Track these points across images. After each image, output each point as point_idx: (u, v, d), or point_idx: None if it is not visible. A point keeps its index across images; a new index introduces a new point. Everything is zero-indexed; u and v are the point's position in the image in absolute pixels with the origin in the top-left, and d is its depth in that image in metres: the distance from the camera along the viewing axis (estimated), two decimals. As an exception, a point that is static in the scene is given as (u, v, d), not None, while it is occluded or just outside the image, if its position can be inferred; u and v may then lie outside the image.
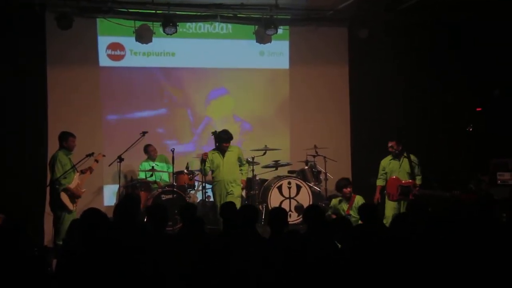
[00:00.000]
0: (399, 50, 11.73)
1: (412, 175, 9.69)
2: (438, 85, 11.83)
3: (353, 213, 9.73)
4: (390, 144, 9.86)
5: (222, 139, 9.79)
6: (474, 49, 11.46)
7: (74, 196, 9.07)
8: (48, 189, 9.43)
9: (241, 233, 5.83)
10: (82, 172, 9.24)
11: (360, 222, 7.06)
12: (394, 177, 9.72)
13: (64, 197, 9.00)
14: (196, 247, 5.16)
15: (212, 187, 10.00)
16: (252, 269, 4.98)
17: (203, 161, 9.85)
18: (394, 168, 9.83)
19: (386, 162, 9.96)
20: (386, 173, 9.91)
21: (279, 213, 6.02)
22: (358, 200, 9.91)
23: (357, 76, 12.03)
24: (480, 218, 6.23)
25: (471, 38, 11.48)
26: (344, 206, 10.02)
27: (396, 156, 9.84)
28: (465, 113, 11.70)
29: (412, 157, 9.80)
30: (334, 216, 9.36)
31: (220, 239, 5.80)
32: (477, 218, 6.23)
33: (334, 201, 10.23)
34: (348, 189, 10.02)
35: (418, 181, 9.73)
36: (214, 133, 10.03)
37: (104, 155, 9.69)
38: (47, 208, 9.82)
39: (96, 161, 9.36)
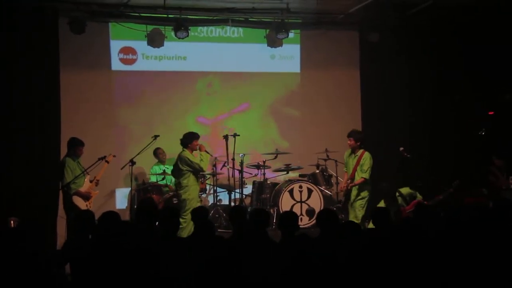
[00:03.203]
0: (409, 53, 11.71)
1: (411, 199, 9.87)
2: (449, 88, 11.79)
3: (358, 175, 9.70)
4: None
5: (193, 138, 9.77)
6: (485, 51, 11.40)
7: (86, 198, 9.22)
8: (60, 192, 9.54)
9: (252, 237, 5.85)
10: (91, 181, 9.37)
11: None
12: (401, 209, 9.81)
13: (77, 199, 9.21)
14: (207, 251, 5.18)
15: (187, 192, 9.70)
16: (263, 272, 5.00)
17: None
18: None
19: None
20: None
21: (290, 216, 6.05)
22: (365, 159, 9.77)
23: (368, 79, 12.01)
24: (496, 222, 6.20)
25: (481, 41, 11.43)
26: (352, 161, 9.87)
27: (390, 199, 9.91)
28: (476, 117, 11.67)
29: (404, 190, 10.02)
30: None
31: (231, 243, 5.81)
32: (493, 222, 6.20)
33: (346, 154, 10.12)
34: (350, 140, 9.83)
35: (419, 197, 9.88)
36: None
37: (114, 156, 9.78)
38: (60, 211, 9.90)
39: (107, 162, 9.45)
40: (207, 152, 9.90)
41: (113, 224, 5.38)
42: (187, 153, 9.58)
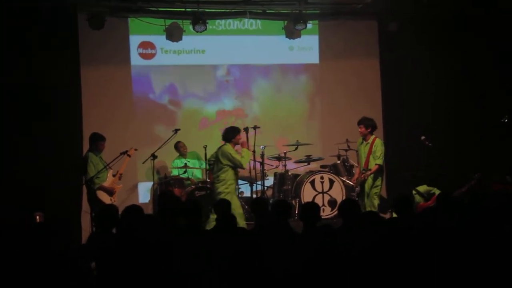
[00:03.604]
0: (429, 41, 11.59)
1: (430, 196, 9.76)
2: (471, 76, 11.65)
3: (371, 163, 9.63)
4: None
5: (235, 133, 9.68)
6: (507, 36, 11.23)
7: (110, 192, 9.32)
8: (84, 187, 9.63)
9: (274, 228, 5.87)
10: (113, 175, 9.44)
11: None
12: (420, 204, 9.76)
13: (101, 194, 9.30)
14: (229, 244, 5.21)
15: (224, 185, 9.53)
16: (285, 264, 5.02)
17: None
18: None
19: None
20: None
21: (311, 207, 6.05)
22: (377, 146, 9.71)
23: (387, 69, 11.95)
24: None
25: (505, 30, 11.28)
26: (364, 148, 9.81)
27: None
28: (500, 103, 11.54)
29: (421, 188, 9.95)
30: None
31: (253, 235, 5.83)
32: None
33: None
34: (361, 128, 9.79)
35: (437, 192, 9.73)
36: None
37: (136, 149, 9.83)
38: (85, 206, 9.99)
39: (129, 155, 9.51)
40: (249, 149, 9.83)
41: (136, 218, 5.42)
42: (229, 148, 9.48)
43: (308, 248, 5.30)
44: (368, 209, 9.38)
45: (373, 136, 9.73)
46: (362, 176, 9.63)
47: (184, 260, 5.14)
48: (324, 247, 5.22)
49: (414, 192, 9.88)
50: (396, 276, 4.96)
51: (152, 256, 4.99)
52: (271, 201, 9.72)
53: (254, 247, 5.26)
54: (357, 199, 9.93)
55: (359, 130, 9.76)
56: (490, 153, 11.08)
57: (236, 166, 9.45)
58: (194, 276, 5.05)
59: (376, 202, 9.61)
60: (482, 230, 5.43)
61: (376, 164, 9.57)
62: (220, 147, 9.60)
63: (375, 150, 9.62)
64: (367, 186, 9.64)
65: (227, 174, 9.45)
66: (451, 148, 11.25)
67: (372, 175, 9.60)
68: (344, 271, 5.03)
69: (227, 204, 6.44)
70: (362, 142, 9.84)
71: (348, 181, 10.53)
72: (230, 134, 9.57)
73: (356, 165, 10.56)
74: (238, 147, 9.56)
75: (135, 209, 5.58)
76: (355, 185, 10.01)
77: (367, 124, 9.72)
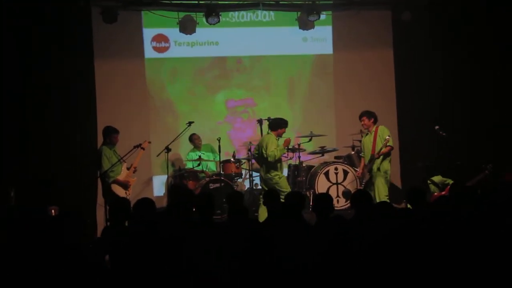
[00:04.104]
0: (443, 30, 11.51)
1: (444, 187, 9.74)
2: (485, 65, 11.52)
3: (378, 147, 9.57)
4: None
5: (282, 125, 9.75)
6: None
7: (125, 186, 9.36)
8: (99, 180, 9.69)
9: (287, 220, 5.87)
10: (128, 168, 9.48)
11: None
12: (434, 194, 9.72)
13: (115, 187, 9.32)
14: (241, 236, 5.22)
15: (277, 174, 9.63)
16: (297, 255, 5.03)
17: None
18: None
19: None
20: None
21: (324, 199, 6.04)
22: (383, 130, 9.70)
23: (401, 59, 11.88)
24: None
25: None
26: (369, 138, 9.78)
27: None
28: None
29: (436, 178, 9.92)
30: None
31: (264, 227, 5.84)
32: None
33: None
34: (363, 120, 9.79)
35: (451, 182, 9.70)
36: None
37: (149, 142, 9.84)
38: (99, 200, 10.05)
39: (143, 148, 9.54)
40: (286, 149, 9.81)
41: (147, 211, 5.45)
42: (270, 137, 9.56)
43: (321, 240, 5.30)
44: (381, 194, 9.39)
45: (375, 126, 9.72)
46: (377, 155, 9.52)
47: (197, 253, 5.16)
48: (337, 239, 5.22)
49: (428, 182, 9.84)
50: (407, 267, 4.96)
51: (164, 250, 5.01)
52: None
53: (266, 238, 5.28)
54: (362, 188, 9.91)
55: (362, 123, 9.77)
56: (502, 144, 10.99)
57: (265, 154, 9.47)
58: (207, 269, 5.07)
59: (384, 190, 9.53)
60: (495, 222, 5.42)
61: (388, 146, 9.54)
62: (262, 137, 9.70)
63: (381, 134, 9.60)
64: (375, 167, 9.60)
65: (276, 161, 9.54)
66: (464, 138, 11.17)
67: (379, 161, 9.56)
68: (356, 263, 5.03)
69: (239, 196, 6.45)
70: (366, 135, 9.83)
71: (356, 174, 10.44)
72: (275, 125, 9.63)
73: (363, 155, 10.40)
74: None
75: (146, 202, 5.61)
76: (363, 176, 9.91)
77: (369, 115, 9.73)
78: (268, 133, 9.72)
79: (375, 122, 9.75)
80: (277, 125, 9.66)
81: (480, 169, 9.76)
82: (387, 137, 9.50)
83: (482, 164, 9.82)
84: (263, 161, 9.65)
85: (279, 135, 9.63)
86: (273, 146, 9.43)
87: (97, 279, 4.93)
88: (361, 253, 5.08)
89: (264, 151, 9.51)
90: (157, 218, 5.57)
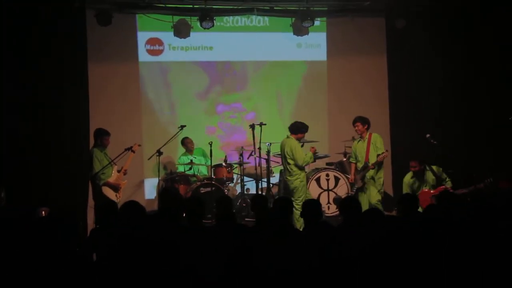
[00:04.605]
0: (437, 38, 11.54)
1: (439, 183, 9.68)
2: (479, 75, 11.56)
3: (372, 155, 9.59)
4: (412, 164, 9.86)
5: (302, 130, 9.78)
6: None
7: (116, 188, 9.36)
8: (90, 182, 9.68)
9: (274, 225, 5.86)
10: (118, 171, 9.48)
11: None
12: (425, 190, 9.71)
13: (106, 190, 9.36)
14: (228, 241, 5.22)
15: (299, 178, 9.62)
16: (284, 260, 5.03)
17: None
18: (419, 184, 9.84)
19: (410, 180, 9.96)
20: (413, 191, 9.82)
21: (312, 204, 6.04)
22: (376, 138, 9.73)
23: (395, 66, 11.92)
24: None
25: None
26: (362, 145, 9.78)
27: (418, 174, 9.84)
28: (508, 104, 11.45)
29: (435, 167, 9.84)
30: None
31: (252, 232, 5.83)
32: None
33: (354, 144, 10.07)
34: (357, 126, 9.79)
35: (449, 184, 9.69)
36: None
37: (139, 145, 9.88)
38: (90, 202, 10.04)
39: (133, 151, 9.55)
40: (315, 154, 9.83)
41: (134, 214, 5.45)
42: (293, 141, 9.58)
43: (308, 246, 5.31)
44: (373, 199, 9.42)
45: (368, 133, 9.73)
46: (371, 166, 9.52)
47: (185, 256, 5.16)
48: (324, 245, 5.23)
49: (427, 168, 9.84)
50: (395, 274, 4.96)
51: (151, 252, 5.01)
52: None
53: (253, 243, 5.28)
54: (354, 194, 9.92)
55: (356, 128, 9.78)
56: (497, 152, 10.99)
57: (295, 160, 9.49)
58: (195, 272, 5.07)
59: (377, 198, 9.55)
60: (488, 228, 5.42)
61: (378, 155, 9.53)
62: (284, 141, 9.69)
63: (374, 142, 9.63)
64: (368, 174, 9.61)
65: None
66: (459, 145, 11.19)
67: (373, 169, 9.58)
68: (344, 269, 5.04)
69: (228, 201, 6.45)
70: (359, 141, 9.84)
71: (348, 180, 10.45)
72: (296, 128, 9.67)
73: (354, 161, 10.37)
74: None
75: (133, 205, 5.60)
76: (355, 182, 9.89)
77: (363, 121, 9.74)
78: (288, 136, 9.71)
79: (368, 128, 9.76)
80: (298, 129, 9.68)
81: (475, 180, 9.73)
82: (384, 153, 9.53)
83: (479, 176, 9.77)
84: (285, 164, 9.68)
85: (298, 139, 9.68)
86: (302, 154, 9.50)
87: (84, 279, 4.93)
88: (349, 259, 5.08)
89: (287, 155, 9.57)
90: (144, 221, 5.56)
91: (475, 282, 4.97)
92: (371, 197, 9.46)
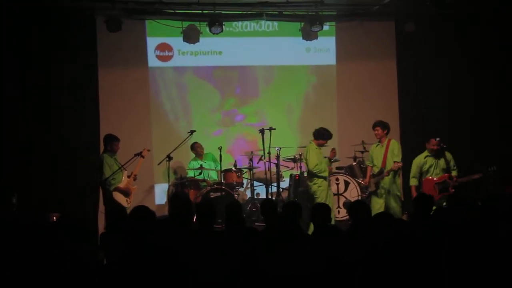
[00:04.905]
0: (446, 42, 11.54)
1: (447, 169, 9.61)
2: (488, 79, 11.55)
3: (389, 162, 9.58)
4: (433, 142, 9.73)
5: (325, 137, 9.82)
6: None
7: (126, 194, 9.39)
8: (100, 188, 9.72)
9: (284, 229, 5.87)
10: (128, 176, 9.52)
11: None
12: (428, 178, 9.67)
13: (117, 195, 9.36)
14: (237, 245, 5.23)
15: (316, 183, 9.69)
16: (293, 265, 5.02)
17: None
18: (430, 165, 9.74)
19: (422, 161, 9.84)
20: (421, 173, 9.80)
21: (321, 209, 6.04)
22: (394, 145, 9.74)
23: (404, 70, 11.91)
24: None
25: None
26: (380, 150, 9.79)
27: (434, 154, 9.74)
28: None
29: (447, 153, 9.76)
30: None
31: (262, 236, 5.84)
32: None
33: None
34: (377, 130, 9.79)
35: (454, 173, 9.66)
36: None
37: (149, 150, 9.88)
38: (101, 207, 10.08)
39: (143, 156, 9.58)
40: (330, 160, 10.01)
41: (144, 219, 5.46)
42: (312, 147, 9.68)
43: (317, 250, 5.30)
44: (392, 206, 9.51)
45: (387, 138, 9.70)
46: (386, 173, 9.54)
47: (195, 261, 5.16)
48: (332, 249, 5.23)
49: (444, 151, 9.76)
50: (403, 279, 4.95)
51: (160, 257, 5.02)
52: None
53: (263, 247, 5.28)
54: (367, 197, 9.99)
55: (376, 132, 9.75)
56: (507, 155, 10.96)
57: (307, 165, 9.61)
58: (205, 277, 5.07)
59: (399, 206, 9.60)
60: (493, 232, 5.41)
61: (395, 162, 9.54)
62: (307, 145, 9.83)
63: (393, 149, 9.62)
64: (386, 184, 9.61)
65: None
66: (468, 149, 11.17)
67: (392, 173, 9.57)
68: (352, 273, 5.03)
69: (237, 205, 6.46)
70: (377, 145, 9.81)
71: (362, 182, 10.47)
72: (318, 135, 9.75)
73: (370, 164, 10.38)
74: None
75: (143, 210, 5.62)
76: (369, 185, 9.90)
77: (384, 126, 9.72)
78: (310, 142, 9.78)
79: (387, 133, 9.77)
80: (320, 135, 9.75)
81: (476, 169, 9.76)
82: (400, 162, 9.55)
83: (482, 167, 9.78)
84: (307, 169, 9.77)
85: (320, 145, 9.71)
86: (315, 160, 9.55)
87: (94, 285, 4.94)
88: (357, 263, 5.08)
89: (304, 159, 9.79)
90: (155, 225, 5.58)
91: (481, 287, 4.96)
92: (396, 214, 9.42)
